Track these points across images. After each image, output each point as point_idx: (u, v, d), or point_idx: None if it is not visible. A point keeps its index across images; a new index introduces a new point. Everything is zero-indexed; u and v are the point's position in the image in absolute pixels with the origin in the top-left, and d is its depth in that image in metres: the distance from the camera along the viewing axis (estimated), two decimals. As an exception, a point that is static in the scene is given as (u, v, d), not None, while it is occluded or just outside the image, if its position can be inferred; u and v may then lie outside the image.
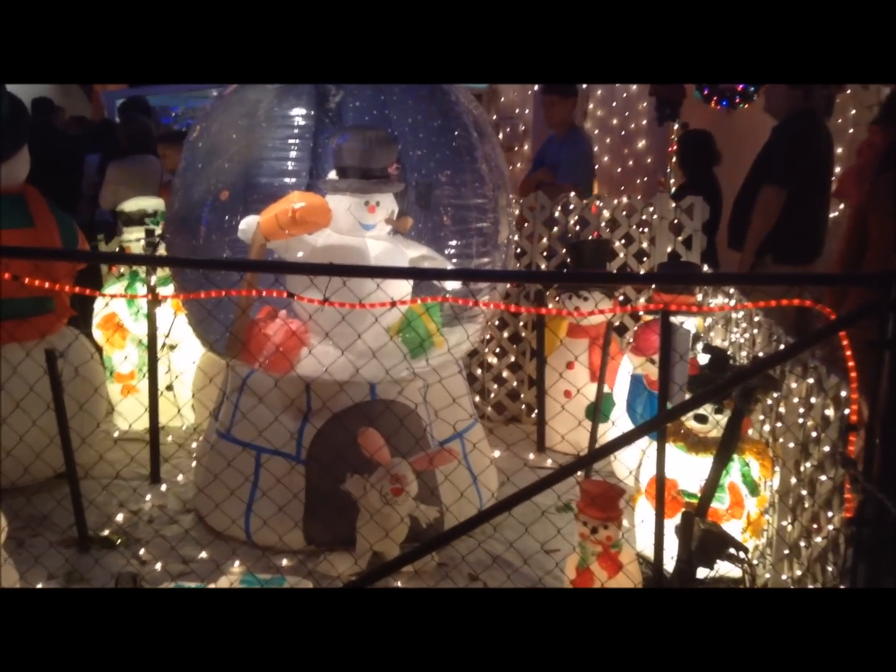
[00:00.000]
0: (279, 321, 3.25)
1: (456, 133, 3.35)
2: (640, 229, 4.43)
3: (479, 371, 4.65)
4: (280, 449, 3.08)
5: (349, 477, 2.92)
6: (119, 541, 3.25)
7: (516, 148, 7.04)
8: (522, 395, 4.66)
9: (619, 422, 3.66)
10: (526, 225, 4.52)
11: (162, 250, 4.18)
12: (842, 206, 5.07)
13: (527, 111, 7.06)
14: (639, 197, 4.68)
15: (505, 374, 4.67)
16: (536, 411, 4.36)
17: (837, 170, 4.94)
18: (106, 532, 3.30)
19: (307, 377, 3.07)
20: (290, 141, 3.19)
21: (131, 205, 4.57)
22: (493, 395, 4.68)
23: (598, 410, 3.82)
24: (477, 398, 4.41)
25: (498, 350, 4.66)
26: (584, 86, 6.92)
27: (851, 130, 5.37)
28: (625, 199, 4.50)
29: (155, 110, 7.74)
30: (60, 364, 3.18)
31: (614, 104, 6.99)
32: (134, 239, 4.49)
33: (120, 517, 3.42)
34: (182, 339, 4.34)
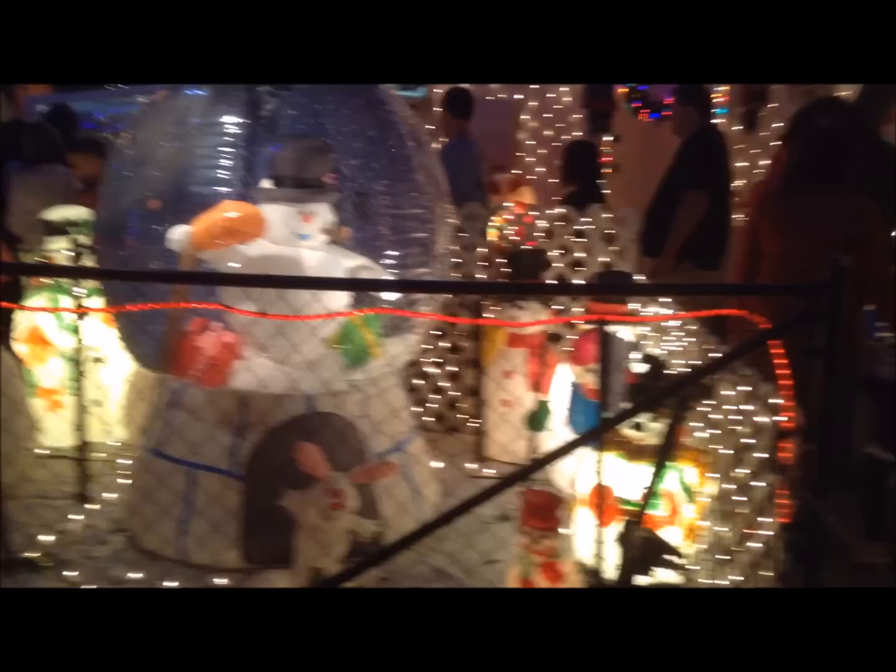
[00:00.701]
0: (211, 333, 3.17)
1: (392, 142, 3.33)
2: (574, 239, 4.48)
3: (417, 381, 4.63)
4: (215, 465, 3.00)
5: (287, 493, 2.86)
6: (46, 563, 3.12)
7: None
8: (462, 405, 4.65)
9: (556, 430, 3.69)
10: (463, 235, 4.53)
11: (88, 261, 4.04)
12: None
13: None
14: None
15: (444, 384, 4.66)
16: (476, 421, 4.36)
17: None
18: (31, 554, 3.16)
19: (242, 390, 3.00)
20: (222, 149, 3.12)
21: (55, 214, 4.41)
22: (432, 406, 4.66)
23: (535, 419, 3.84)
24: (416, 408, 4.38)
25: (437, 360, 4.65)
26: (519, 96, 7.00)
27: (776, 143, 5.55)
28: (561, 210, 4.54)
29: (76, 116, 7.45)
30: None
31: (547, 115, 7.08)
32: (56, 249, 4.33)
33: (48, 538, 3.28)
34: (111, 352, 4.21)
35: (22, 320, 4.31)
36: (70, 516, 3.47)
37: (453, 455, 3.95)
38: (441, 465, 3.82)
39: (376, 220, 3.26)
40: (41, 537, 3.27)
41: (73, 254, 4.15)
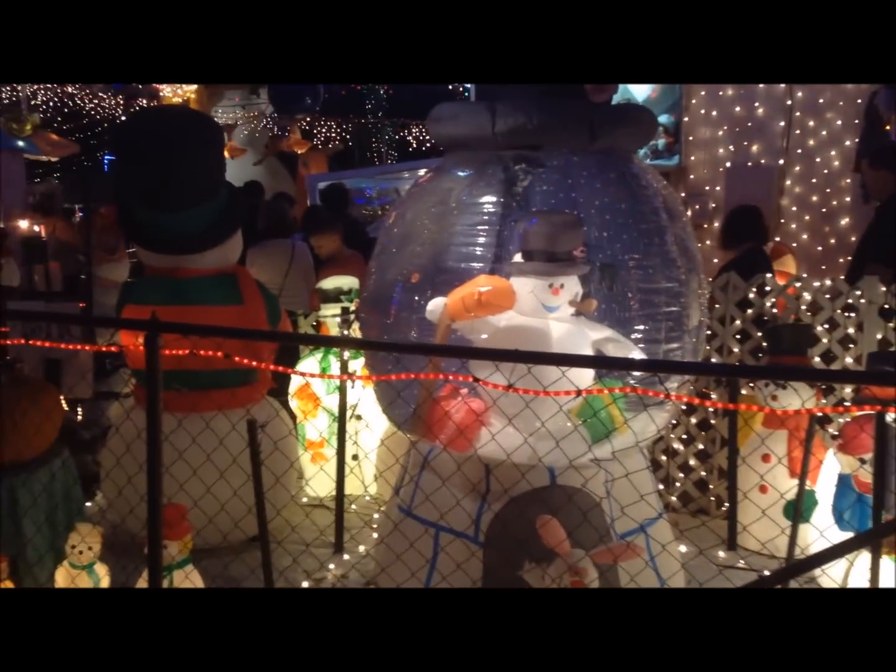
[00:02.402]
0: (460, 400, 3.28)
1: (644, 214, 3.29)
2: (846, 314, 4.11)
3: (663, 458, 4.45)
4: (459, 530, 3.08)
5: (527, 565, 2.85)
6: (301, 609, 3.35)
7: (706, 225, 6.82)
8: (711, 487, 4.40)
9: (820, 525, 3.35)
10: (717, 307, 4.34)
11: (355, 327, 4.39)
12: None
13: (717, 188, 6.86)
14: (842, 278, 4.37)
15: (692, 462, 4.44)
16: (727, 505, 4.09)
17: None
18: (290, 598, 3.41)
19: (486, 458, 3.06)
20: (479, 227, 3.27)
21: (328, 283, 4.86)
22: (678, 485, 4.45)
23: (798, 511, 3.52)
24: (661, 486, 4.21)
25: (685, 436, 4.45)
26: (781, 161, 6.64)
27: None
28: (827, 281, 4.21)
29: (348, 194, 8.23)
30: (260, 435, 3.38)
31: (814, 180, 6.63)
32: (330, 315, 4.76)
33: (305, 584, 3.53)
34: (369, 410, 4.51)
35: (296, 377, 4.76)
36: (326, 565, 3.72)
37: (700, 540, 3.72)
38: (686, 550, 3.62)
39: (626, 293, 3.23)
40: (301, 584, 3.53)
41: (342, 320, 4.55)
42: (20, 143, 9.58)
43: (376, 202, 14.43)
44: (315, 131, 13.93)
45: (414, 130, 15.19)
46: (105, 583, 3.06)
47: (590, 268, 3.19)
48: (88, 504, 4.13)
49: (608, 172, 3.35)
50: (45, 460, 3.38)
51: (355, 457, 4.51)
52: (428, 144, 14.73)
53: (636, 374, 3.09)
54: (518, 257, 3.20)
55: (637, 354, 3.12)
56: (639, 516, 3.10)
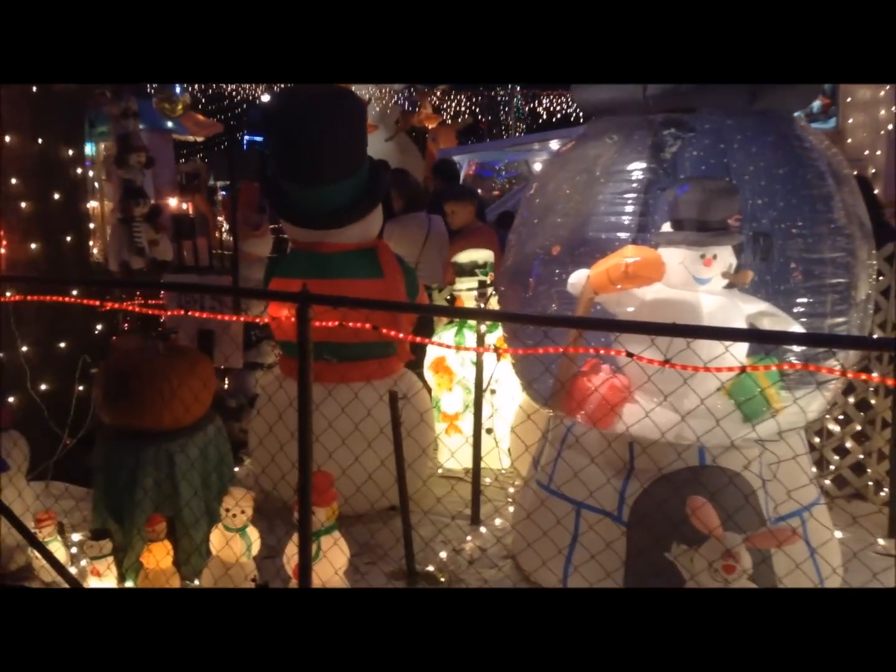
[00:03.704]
0: (603, 374, 3.20)
1: (807, 180, 3.07)
2: None
3: (816, 439, 4.20)
4: (603, 508, 3.01)
5: (675, 547, 2.75)
6: (443, 578, 3.39)
7: (865, 192, 6.37)
8: (870, 471, 4.12)
9: None
10: (881, 278, 4.03)
11: (493, 300, 4.36)
12: None
13: (878, 152, 6.36)
14: None
15: (849, 444, 4.16)
16: (888, 490, 3.82)
17: None
18: (431, 568, 3.46)
19: (632, 435, 2.97)
20: (625, 195, 3.16)
21: (464, 256, 4.84)
22: (833, 467, 4.20)
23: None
24: (813, 468, 3.98)
25: (841, 417, 4.18)
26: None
27: None
28: None
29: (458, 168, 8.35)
30: (401, 405, 3.42)
31: None
32: (465, 288, 4.74)
33: (443, 554, 3.57)
34: (505, 383, 4.49)
35: (431, 350, 4.79)
36: (464, 536, 3.75)
37: (858, 526, 3.49)
38: (842, 534, 3.40)
39: (784, 265, 3.04)
40: (440, 553, 3.57)
41: (478, 293, 4.53)
42: (169, 124, 10.07)
43: (504, 175, 14.34)
44: (445, 105, 13.94)
45: (545, 101, 14.93)
46: (256, 546, 3.18)
47: (744, 237, 3.02)
48: (237, 469, 4.33)
49: (766, 135, 3.15)
50: (200, 426, 3.54)
51: (490, 430, 4.51)
52: (559, 115, 14.44)
53: (795, 350, 2.90)
54: (667, 226, 3.07)
55: (796, 329, 2.94)
56: (797, 499, 2.93)
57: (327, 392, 3.07)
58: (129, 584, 3.33)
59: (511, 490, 4.33)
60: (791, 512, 2.95)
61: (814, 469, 3.92)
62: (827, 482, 4.19)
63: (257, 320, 3.37)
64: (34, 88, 4.48)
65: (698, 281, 2.99)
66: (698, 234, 2.94)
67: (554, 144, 10.22)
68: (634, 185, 3.14)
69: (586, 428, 3.12)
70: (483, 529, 3.87)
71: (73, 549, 3.60)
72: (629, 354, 2.33)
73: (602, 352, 2.74)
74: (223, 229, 7.34)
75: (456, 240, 5.72)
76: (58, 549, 3.39)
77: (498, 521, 3.92)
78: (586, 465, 2.95)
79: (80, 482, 4.20)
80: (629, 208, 3.17)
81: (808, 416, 3.02)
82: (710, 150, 3.21)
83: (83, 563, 3.39)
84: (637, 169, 3.14)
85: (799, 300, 2.96)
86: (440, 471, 4.55)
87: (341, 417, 3.08)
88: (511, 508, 3.95)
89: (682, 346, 2.33)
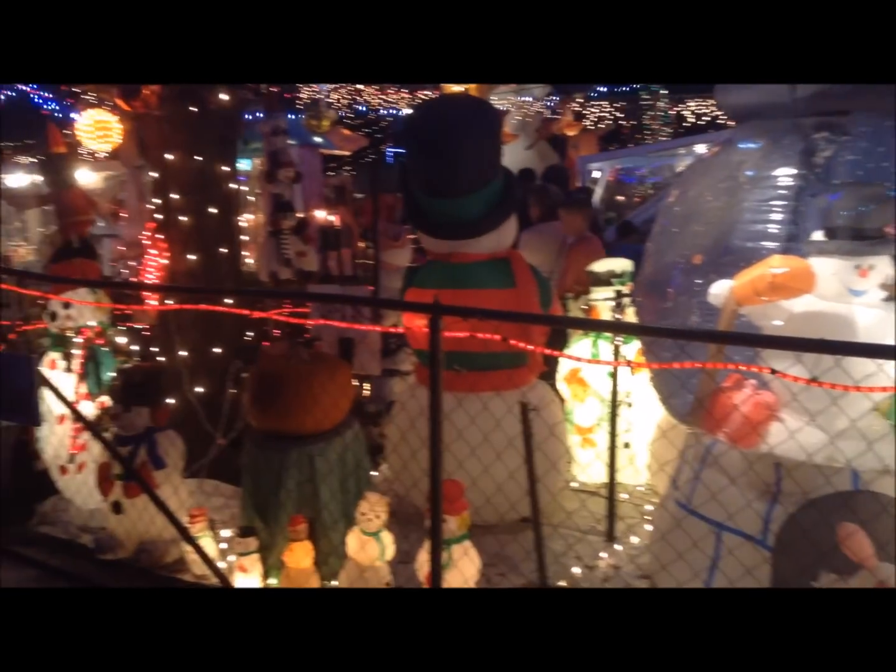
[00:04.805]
0: (747, 391, 3.05)
1: None
2: None
3: None
4: (746, 531, 2.86)
5: (824, 576, 2.58)
6: (574, 594, 3.33)
7: None
8: None
9: None
10: None
11: (630, 311, 4.26)
12: None
13: None
14: None
15: None
16: None
17: None
18: (563, 583, 3.41)
19: (778, 455, 2.82)
20: (772, 203, 3.01)
21: (600, 265, 4.76)
22: None
23: None
24: None
25: None
26: None
27: None
28: None
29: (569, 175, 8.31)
30: (532, 416, 3.40)
31: None
32: (601, 298, 4.66)
33: (576, 570, 3.51)
34: (641, 396, 4.37)
35: (565, 361, 4.74)
36: (598, 553, 3.67)
37: None
38: None
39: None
40: (573, 568, 3.51)
41: (615, 304, 4.44)
42: (317, 139, 10.53)
43: (648, 180, 14.00)
44: (586, 112, 13.78)
45: (691, 104, 14.45)
46: (390, 551, 3.25)
47: (904, 246, 2.80)
48: (374, 474, 4.44)
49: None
50: (339, 431, 3.66)
51: (627, 445, 4.40)
52: (706, 119, 13.93)
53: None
54: (818, 235, 2.91)
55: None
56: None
57: (457, 401, 3.09)
58: (272, 581, 3.49)
59: (648, 508, 4.21)
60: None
61: None
62: None
63: (392, 330, 3.45)
64: (193, 109, 4.79)
65: (853, 293, 2.81)
66: (853, 242, 2.77)
67: (700, 149, 9.90)
68: (783, 191, 2.99)
69: (727, 447, 2.98)
70: (618, 547, 3.77)
71: (223, 545, 3.81)
72: (773, 371, 2.22)
73: (743, 368, 2.61)
74: (364, 240, 7.57)
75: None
76: (208, 545, 3.59)
77: (634, 539, 3.81)
78: (727, 485, 2.82)
79: (230, 481, 4.44)
80: (777, 216, 3.02)
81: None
82: (867, 154, 3.02)
83: (231, 558, 3.58)
84: (785, 175, 2.99)
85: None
86: (573, 484, 4.49)
87: (471, 427, 3.10)
88: (647, 526, 3.84)
89: (831, 364, 2.19)
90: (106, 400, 4.38)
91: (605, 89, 13.82)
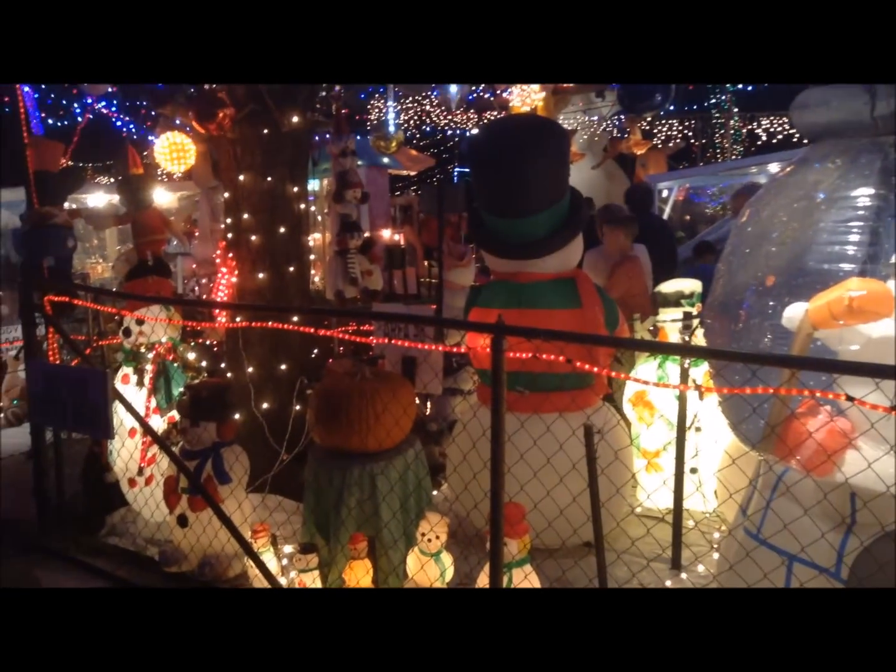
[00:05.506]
0: (822, 417, 2.93)
1: None
2: None
3: None
4: (817, 562, 2.74)
5: (905, 613, 2.45)
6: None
7: None
8: None
9: None
10: None
11: (698, 333, 4.16)
12: None
13: None
14: None
15: None
16: None
17: None
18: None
19: (854, 485, 2.70)
20: (850, 223, 2.90)
21: (669, 286, 4.67)
22: None
23: None
24: None
25: None
26: None
27: None
28: None
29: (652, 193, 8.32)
30: (596, 439, 3.33)
31: None
32: (669, 319, 4.57)
33: (640, 599, 3.41)
34: (709, 420, 4.25)
35: (631, 383, 4.65)
36: (662, 581, 3.57)
37: None
38: None
39: None
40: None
41: (683, 325, 4.34)
42: (385, 160, 10.67)
43: (718, 200, 13.73)
44: (655, 130, 13.62)
45: (764, 122, 14.16)
46: (450, 573, 3.23)
47: None
48: (435, 493, 4.42)
49: None
50: (401, 450, 3.67)
51: (694, 470, 4.28)
52: (779, 137, 13.63)
53: None
54: (900, 257, 2.79)
55: None
56: None
57: (520, 423, 3.06)
58: (331, 598, 3.50)
59: (715, 536, 4.08)
60: None
61: None
62: None
63: (455, 349, 3.44)
64: (265, 131, 4.90)
65: (938, 317, 2.68)
66: (937, 265, 2.65)
67: (773, 167, 9.66)
68: (861, 212, 2.87)
69: (801, 475, 2.87)
70: (684, 576, 3.66)
71: (284, 561, 3.84)
72: (849, 398, 2.12)
73: (818, 394, 2.51)
74: (429, 259, 7.61)
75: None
76: (270, 560, 3.63)
77: (700, 568, 3.70)
78: (800, 515, 2.71)
79: (293, 496, 4.49)
80: (854, 237, 2.91)
81: None
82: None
83: (292, 574, 3.61)
84: (864, 195, 2.88)
85: None
86: (638, 509, 4.39)
87: (533, 449, 3.06)
88: (714, 556, 3.72)
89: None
90: (175, 414, 4.49)
91: (673, 108, 13.67)
